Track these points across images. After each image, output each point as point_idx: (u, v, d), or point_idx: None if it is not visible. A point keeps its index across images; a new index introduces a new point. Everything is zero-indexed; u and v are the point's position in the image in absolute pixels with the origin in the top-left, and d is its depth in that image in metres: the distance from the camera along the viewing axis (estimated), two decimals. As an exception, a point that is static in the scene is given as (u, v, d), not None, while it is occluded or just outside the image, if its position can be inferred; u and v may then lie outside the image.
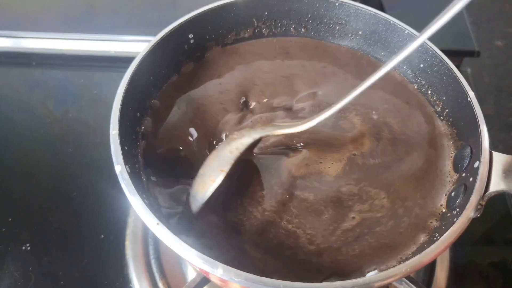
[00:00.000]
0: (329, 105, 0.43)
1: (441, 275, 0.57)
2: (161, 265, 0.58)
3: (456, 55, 0.72)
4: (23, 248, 0.58)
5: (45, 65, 0.78)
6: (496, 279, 0.58)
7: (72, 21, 0.82)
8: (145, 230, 0.61)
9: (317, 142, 0.47)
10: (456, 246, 0.55)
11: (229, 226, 0.41)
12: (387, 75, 0.40)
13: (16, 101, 0.74)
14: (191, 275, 0.58)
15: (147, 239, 0.60)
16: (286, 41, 0.56)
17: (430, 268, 0.58)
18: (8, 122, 0.72)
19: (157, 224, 0.35)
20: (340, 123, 0.49)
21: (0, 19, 0.82)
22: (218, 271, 0.33)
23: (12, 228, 0.59)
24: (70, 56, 0.78)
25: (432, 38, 0.51)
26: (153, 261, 0.59)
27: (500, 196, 0.38)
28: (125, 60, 0.45)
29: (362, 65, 0.54)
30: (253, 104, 0.51)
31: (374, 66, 0.54)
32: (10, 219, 0.60)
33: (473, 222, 0.38)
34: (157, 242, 0.60)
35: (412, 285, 0.43)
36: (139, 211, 0.36)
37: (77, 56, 0.78)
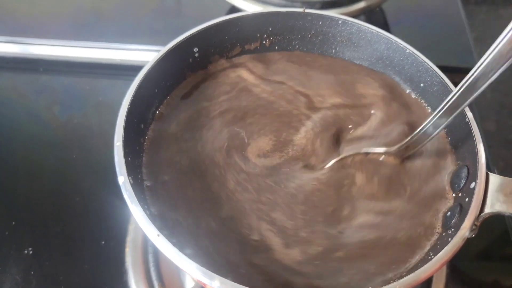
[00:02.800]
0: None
1: (437, 291, 0.58)
2: (160, 273, 0.59)
3: (458, 72, 0.72)
4: (25, 252, 0.58)
5: (52, 71, 0.79)
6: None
7: (80, 28, 0.83)
8: (145, 239, 0.61)
9: None
10: (453, 263, 0.56)
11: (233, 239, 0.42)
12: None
13: (22, 106, 0.75)
14: (189, 283, 0.59)
15: (147, 247, 0.61)
16: (289, 55, 0.57)
17: (427, 285, 0.58)
18: (14, 126, 0.73)
19: (158, 235, 0.36)
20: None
21: (9, 25, 0.84)
22: (215, 283, 0.34)
23: (15, 231, 0.60)
24: (76, 63, 0.79)
25: (434, 55, 0.52)
26: (152, 269, 0.59)
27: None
28: (130, 68, 0.46)
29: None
30: None
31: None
32: (13, 223, 0.61)
33: (471, 239, 0.38)
34: (156, 251, 0.60)
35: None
36: (141, 222, 0.37)
37: (83, 63, 0.79)
